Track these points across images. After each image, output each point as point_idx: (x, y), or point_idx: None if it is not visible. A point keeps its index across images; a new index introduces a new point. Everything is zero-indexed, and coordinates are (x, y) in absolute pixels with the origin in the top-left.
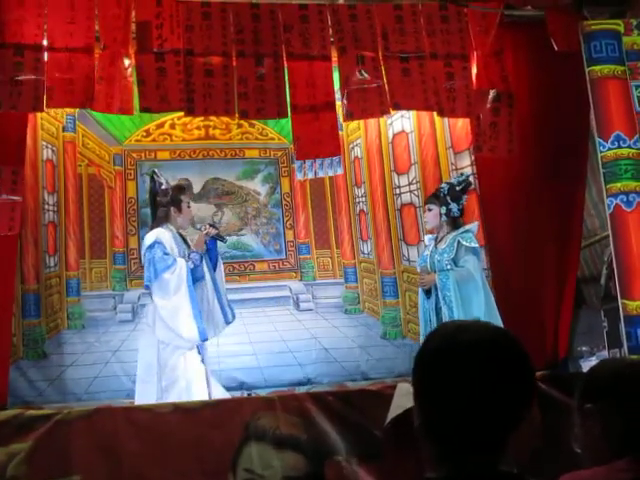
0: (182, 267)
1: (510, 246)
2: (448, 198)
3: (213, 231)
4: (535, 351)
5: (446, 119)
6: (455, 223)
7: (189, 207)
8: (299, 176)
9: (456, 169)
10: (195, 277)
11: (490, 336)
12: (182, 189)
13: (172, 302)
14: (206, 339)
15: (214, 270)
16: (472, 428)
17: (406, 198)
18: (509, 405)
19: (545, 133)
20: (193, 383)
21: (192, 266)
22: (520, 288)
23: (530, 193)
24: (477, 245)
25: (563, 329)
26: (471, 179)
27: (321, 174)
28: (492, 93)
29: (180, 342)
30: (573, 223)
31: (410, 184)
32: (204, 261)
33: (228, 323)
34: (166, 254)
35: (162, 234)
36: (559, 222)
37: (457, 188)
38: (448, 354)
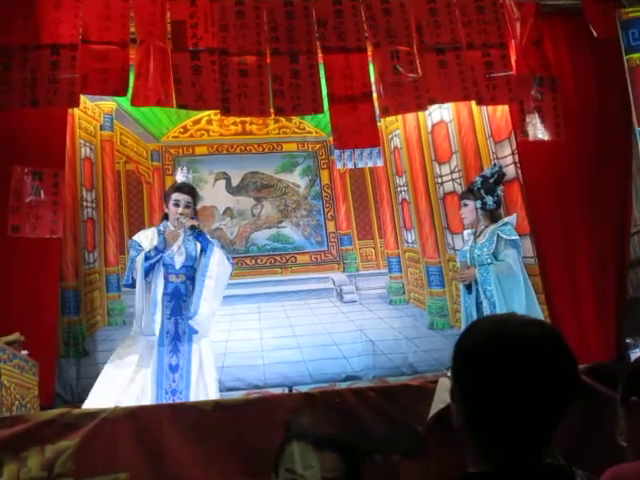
0: (139, 261)
1: (557, 234)
2: (482, 191)
3: (189, 222)
4: (590, 343)
5: (484, 109)
6: (492, 216)
7: (176, 205)
8: (339, 165)
9: (497, 158)
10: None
11: (537, 330)
12: (177, 188)
13: (136, 291)
14: (151, 333)
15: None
16: (519, 422)
17: (449, 187)
18: (556, 399)
19: (588, 121)
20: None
21: (153, 254)
22: (568, 277)
23: (574, 180)
24: (517, 237)
25: (619, 319)
26: (504, 170)
27: (360, 165)
28: (534, 78)
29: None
30: (622, 210)
31: (452, 172)
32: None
33: (188, 319)
34: (138, 250)
35: (142, 233)
36: (606, 209)
37: (490, 180)
38: (496, 348)
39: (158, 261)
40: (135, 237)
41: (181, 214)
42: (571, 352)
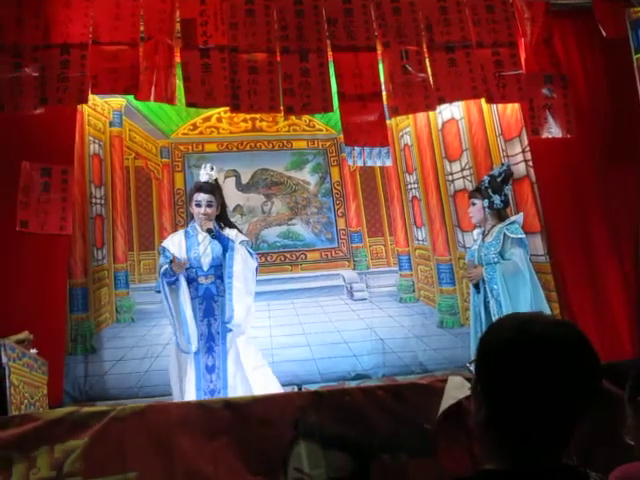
0: (160, 273)
1: (570, 230)
2: (490, 190)
3: (205, 226)
4: (613, 341)
5: (494, 107)
6: (500, 215)
7: (198, 206)
8: (349, 162)
9: (507, 156)
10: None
11: (563, 330)
12: (198, 188)
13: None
14: (187, 351)
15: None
16: (541, 421)
17: (459, 184)
18: (579, 399)
19: (599, 118)
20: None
21: (168, 275)
22: (585, 273)
23: (587, 176)
24: (523, 236)
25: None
26: (513, 168)
27: (370, 163)
28: (544, 76)
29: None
30: (635, 205)
31: (462, 170)
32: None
33: (224, 322)
34: (167, 256)
35: (170, 237)
36: (620, 204)
37: (498, 179)
38: (522, 346)
39: (178, 279)
40: (165, 242)
41: (204, 214)
42: (595, 353)
